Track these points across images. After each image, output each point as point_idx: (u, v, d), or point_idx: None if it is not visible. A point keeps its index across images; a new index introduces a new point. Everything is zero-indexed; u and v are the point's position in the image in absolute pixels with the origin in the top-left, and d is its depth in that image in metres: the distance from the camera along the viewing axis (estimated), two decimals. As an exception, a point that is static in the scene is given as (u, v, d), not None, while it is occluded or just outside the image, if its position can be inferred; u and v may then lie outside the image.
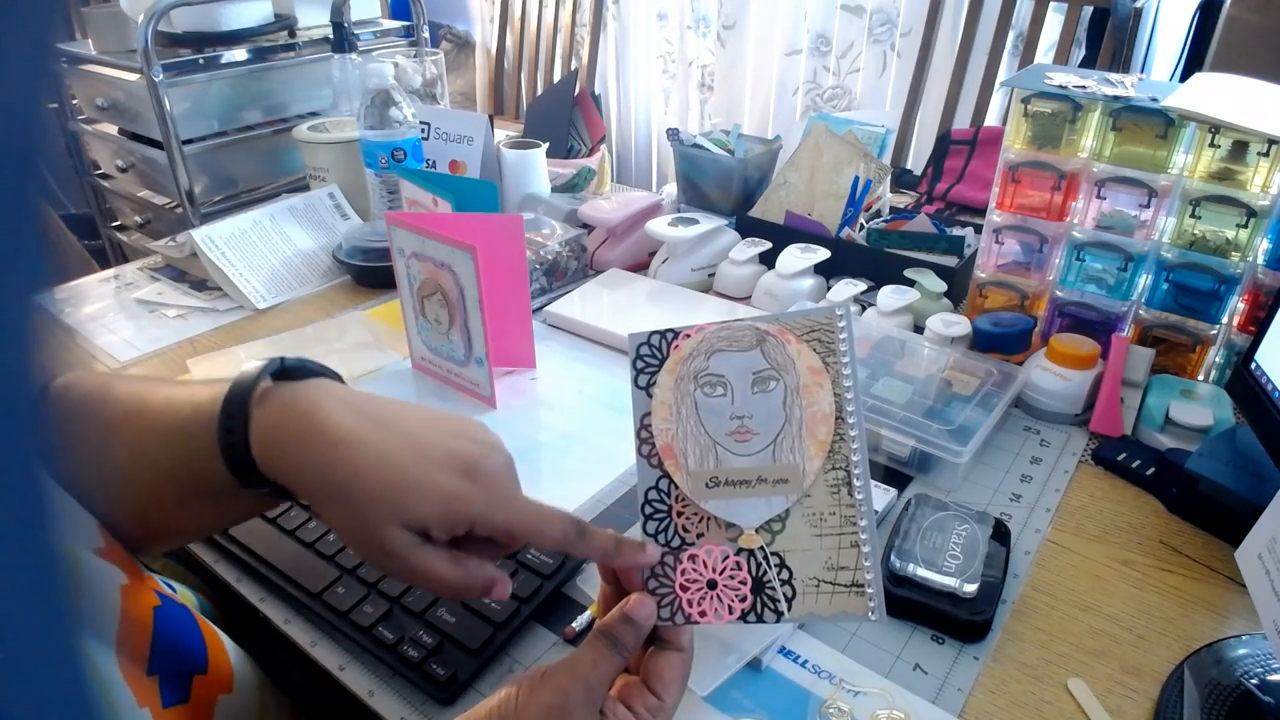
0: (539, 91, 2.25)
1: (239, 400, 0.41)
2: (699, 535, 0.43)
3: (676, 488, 0.44)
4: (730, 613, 0.42)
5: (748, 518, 0.42)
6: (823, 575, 0.41)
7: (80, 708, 0.16)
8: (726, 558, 0.42)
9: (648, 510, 0.44)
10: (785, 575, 0.42)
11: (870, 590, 0.41)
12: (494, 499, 0.41)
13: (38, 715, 0.14)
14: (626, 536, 0.44)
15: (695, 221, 1.01)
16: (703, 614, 0.42)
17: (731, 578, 0.42)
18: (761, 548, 0.42)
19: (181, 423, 0.42)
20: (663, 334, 0.46)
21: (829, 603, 0.41)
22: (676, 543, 0.43)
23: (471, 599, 0.45)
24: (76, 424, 0.45)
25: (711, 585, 0.42)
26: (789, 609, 0.41)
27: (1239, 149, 0.73)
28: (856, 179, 1.01)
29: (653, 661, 0.41)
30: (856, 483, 0.42)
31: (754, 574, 0.42)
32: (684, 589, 0.42)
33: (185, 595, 0.54)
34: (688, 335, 0.45)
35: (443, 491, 0.40)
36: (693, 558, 0.43)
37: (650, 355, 0.46)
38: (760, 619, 0.41)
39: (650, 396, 0.45)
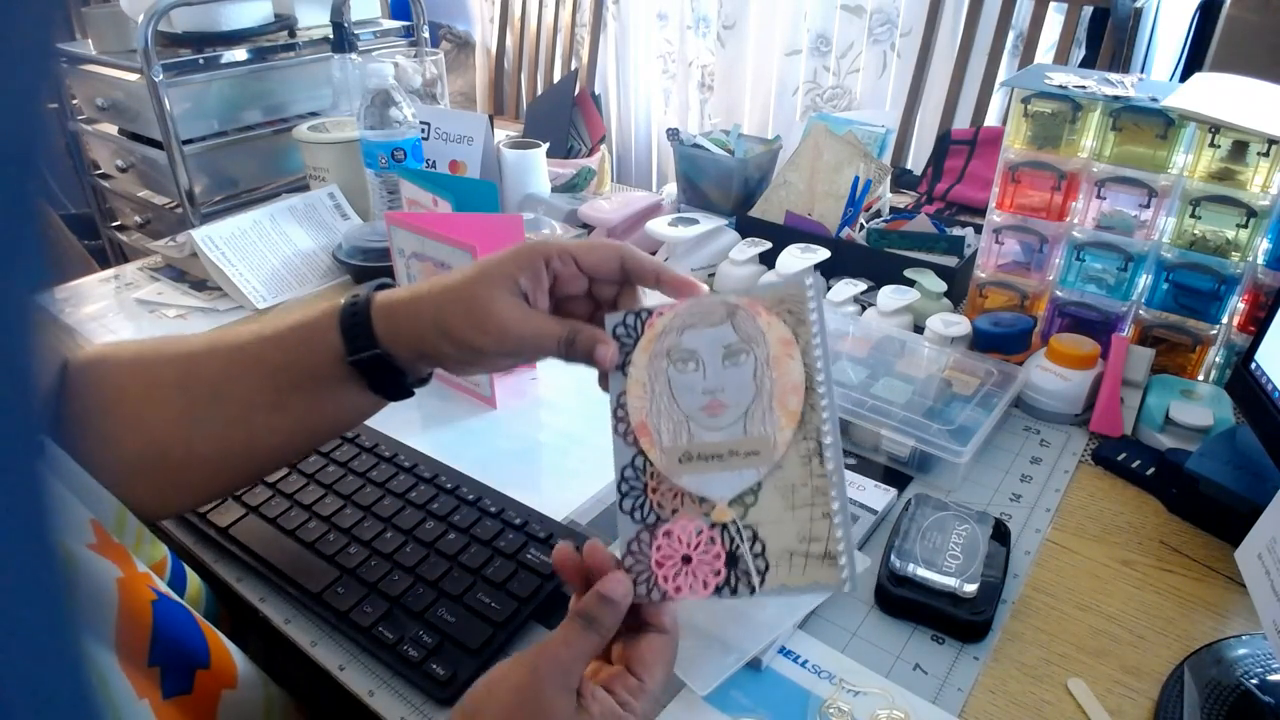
0: (539, 91, 2.25)
1: (363, 295, 0.51)
2: (673, 511, 0.43)
3: (651, 464, 0.44)
4: (705, 587, 0.42)
5: (720, 491, 0.42)
6: (795, 547, 0.41)
7: (77, 700, 0.16)
8: (700, 532, 0.42)
9: (624, 488, 0.44)
10: (758, 548, 0.41)
11: (843, 561, 0.40)
12: (552, 240, 0.49)
13: (35, 707, 0.15)
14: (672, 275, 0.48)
15: (695, 221, 1.01)
16: (678, 589, 0.42)
17: (706, 552, 0.42)
18: (734, 521, 0.42)
19: (294, 323, 0.51)
20: (637, 313, 0.46)
21: (802, 573, 0.41)
22: (652, 519, 0.43)
23: (580, 354, 0.48)
24: (132, 382, 0.50)
25: (686, 560, 0.42)
26: (762, 582, 0.41)
27: (1239, 149, 0.73)
28: (856, 179, 1.01)
29: (633, 645, 0.42)
30: (827, 453, 0.42)
31: (728, 548, 0.42)
32: (659, 565, 0.42)
33: (194, 584, 0.54)
34: (661, 313, 0.46)
35: (513, 251, 0.49)
36: (668, 533, 0.43)
37: (625, 335, 0.46)
38: (735, 592, 0.41)
39: (625, 375, 0.45)
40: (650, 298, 0.50)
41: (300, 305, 0.98)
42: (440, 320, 0.48)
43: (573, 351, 0.48)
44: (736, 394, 0.43)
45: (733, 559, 0.42)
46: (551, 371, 0.84)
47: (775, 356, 0.43)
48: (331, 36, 1.34)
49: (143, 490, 0.48)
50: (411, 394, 0.53)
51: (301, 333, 0.51)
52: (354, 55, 1.32)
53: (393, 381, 0.51)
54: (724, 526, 0.42)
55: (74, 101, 1.65)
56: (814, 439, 0.42)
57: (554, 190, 1.20)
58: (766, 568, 0.41)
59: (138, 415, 0.49)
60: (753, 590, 0.41)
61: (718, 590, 0.41)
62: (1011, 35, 1.63)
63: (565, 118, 1.41)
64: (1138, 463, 0.70)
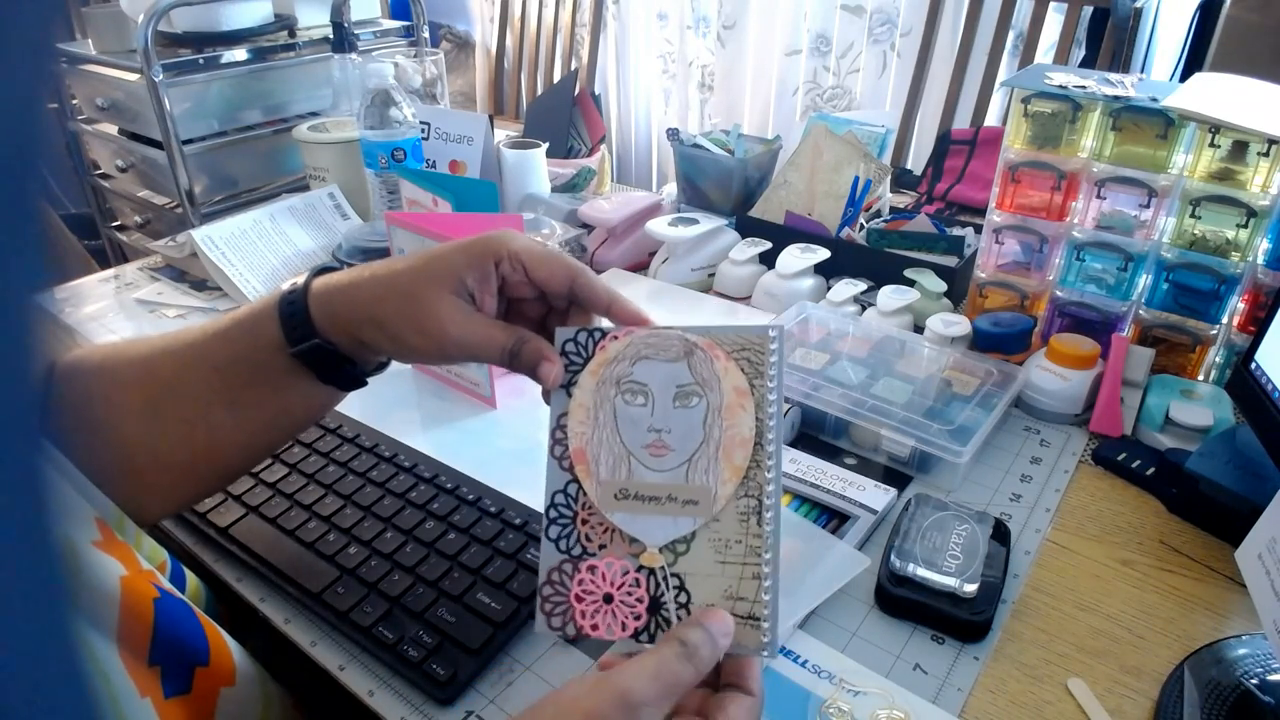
0: (539, 91, 2.25)
1: (301, 283, 0.49)
2: (601, 546, 0.42)
3: (585, 495, 0.42)
4: (623, 630, 0.40)
5: (653, 535, 0.41)
6: (720, 603, 0.40)
7: (80, 699, 0.16)
8: (626, 573, 0.41)
9: (552, 514, 0.43)
10: (683, 599, 0.40)
11: (765, 625, 0.39)
12: (504, 234, 0.48)
13: (37, 707, 0.15)
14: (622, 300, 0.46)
15: (695, 221, 1.01)
16: (594, 628, 0.41)
17: (629, 594, 0.41)
18: (663, 567, 0.41)
19: (239, 316, 0.50)
20: (590, 332, 0.45)
21: None
22: (577, 551, 0.42)
23: (524, 367, 0.45)
24: (98, 386, 0.49)
25: (608, 599, 0.41)
26: None
27: (1239, 149, 0.73)
28: (856, 179, 1.01)
29: (718, 701, 0.38)
30: (766, 514, 0.40)
31: (651, 593, 0.41)
32: (579, 599, 0.41)
33: (194, 583, 0.54)
34: (615, 337, 0.44)
35: (465, 244, 0.47)
36: (592, 569, 0.41)
37: (575, 353, 0.45)
38: (652, 639, 0.40)
39: (570, 396, 0.44)
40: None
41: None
42: (376, 313, 0.46)
43: (517, 364, 0.45)
44: (683, 438, 0.42)
45: (655, 605, 0.40)
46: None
47: (728, 405, 0.42)
48: (331, 36, 1.34)
49: (116, 494, 0.47)
50: (364, 383, 0.52)
51: (245, 326, 0.49)
52: (354, 55, 1.32)
53: (340, 371, 0.49)
54: (651, 571, 0.41)
55: (74, 101, 1.64)
56: (755, 497, 0.40)
57: (554, 190, 1.20)
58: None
59: (102, 418, 0.48)
60: None
61: (635, 635, 0.40)
62: (1011, 35, 1.63)
63: (565, 118, 1.41)
64: (1138, 463, 0.70)
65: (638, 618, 0.40)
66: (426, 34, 1.74)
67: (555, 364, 0.44)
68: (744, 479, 0.41)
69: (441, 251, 0.47)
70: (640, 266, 1.08)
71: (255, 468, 0.68)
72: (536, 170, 1.16)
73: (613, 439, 0.43)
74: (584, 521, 0.42)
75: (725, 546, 0.40)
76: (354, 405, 0.77)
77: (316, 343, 0.47)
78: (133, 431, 0.49)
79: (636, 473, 0.42)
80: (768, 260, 0.98)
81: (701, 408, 0.42)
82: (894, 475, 0.71)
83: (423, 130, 1.12)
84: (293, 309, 0.48)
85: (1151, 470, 0.69)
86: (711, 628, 0.38)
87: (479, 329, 0.46)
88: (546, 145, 1.18)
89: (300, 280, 0.49)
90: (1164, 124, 0.75)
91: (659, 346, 0.43)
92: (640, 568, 0.41)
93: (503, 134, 1.26)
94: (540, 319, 0.50)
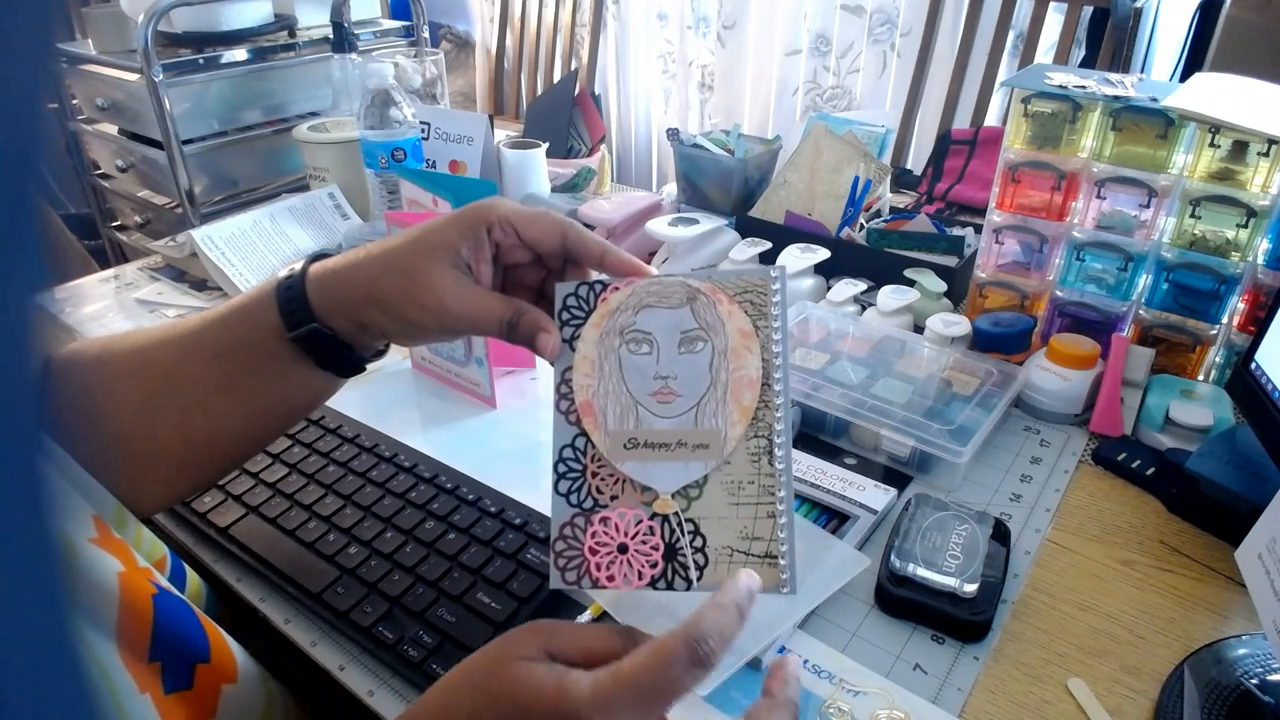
0: (539, 91, 2.25)
1: (298, 268, 0.49)
2: (613, 498, 0.42)
3: (593, 447, 0.42)
4: (640, 579, 0.40)
5: (665, 482, 0.41)
6: (736, 545, 0.40)
7: (81, 698, 0.16)
8: (640, 522, 0.41)
9: (561, 469, 0.43)
10: (699, 543, 0.40)
11: (783, 562, 0.39)
12: (492, 200, 0.48)
13: (34, 703, 0.15)
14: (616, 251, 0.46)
15: (695, 221, 1.02)
16: (610, 579, 0.41)
17: (644, 543, 0.41)
18: (676, 513, 0.41)
19: (236, 304, 0.50)
20: (591, 285, 0.44)
21: None
22: (589, 504, 0.42)
23: (522, 339, 0.45)
24: (95, 378, 0.49)
25: (622, 550, 0.41)
26: (700, 577, 0.40)
27: (1239, 149, 0.73)
28: (856, 179, 1.01)
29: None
30: (778, 452, 0.40)
31: (667, 540, 0.41)
32: (593, 552, 0.41)
33: (194, 582, 0.54)
34: (616, 288, 0.44)
35: (455, 215, 0.47)
36: (604, 520, 0.41)
37: (577, 306, 0.45)
38: (670, 586, 0.40)
39: (573, 350, 0.44)
40: None
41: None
42: (374, 291, 0.46)
43: (515, 335, 0.46)
44: (690, 383, 0.42)
45: (671, 552, 0.40)
46: (551, 372, 0.84)
47: (733, 348, 0.42)
48: (331, 36, 1.34)
49: (114, 485, 0.47)
50: (362, 369, 0.52)
51: (243, 313, 0.49)
52: (354, 55, 1.32)
53: (339, 356, 0.49)
54: (665, 518, 0.41)
55: (74, 101, 1.64)
56: (765, 437, 0.41)
57: (554, 190, 1.20)
58: (705, 563, 0.40)
59: (99, 409, 0.49)
60: (689, 585, 0.40)
61: (653, 582, 0.40)
62: (1011, 35, 1.63)
63: (565, 118, 1.41)
64: (1138, 463, 0.70)
65: (653, 565, 0.40)
66: (426, 34, 1.74)
67: (553, 335, 0.44)
68: (753, 420, 0.41)
69: (433, 225, 0.47)
70: (640, 266, 1.08)
71: (254, 463, 0.68)
72: (536, 170, 1.16)
73: (619, 389, 0.43)
74: (594, 474, 0.42)
75: (738, 488, 0.41)
76: (354, 405, 0.77)
77: (315, 327, 0.47)
78: (131, 422, 0.49)
79: (645, 421, 0.42)
80: (768, 260, 0.98)
81: (707, 352, 0.42)
82: (894, 475, 0.71)
83: (423, 130, 1.12)
84: (290, 294, 0.48)
85: (1151, 470, 0.69)
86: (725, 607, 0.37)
87: (477, 300, 0.46)
88: (546, 145, 1.18)
89: (297, 266, 0.49)
90: (1164, 124, 0.75)
91: (661, 294, 0.43)
92: (654, 515, 0.41)
93: (503, 134, 1.26)
94: (539, 285, 0.50)
